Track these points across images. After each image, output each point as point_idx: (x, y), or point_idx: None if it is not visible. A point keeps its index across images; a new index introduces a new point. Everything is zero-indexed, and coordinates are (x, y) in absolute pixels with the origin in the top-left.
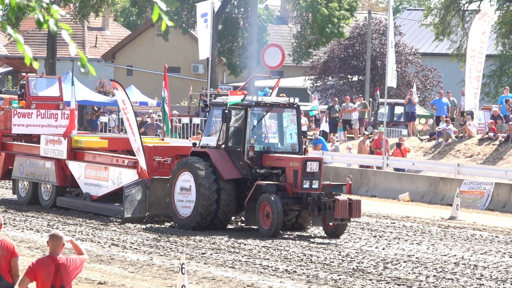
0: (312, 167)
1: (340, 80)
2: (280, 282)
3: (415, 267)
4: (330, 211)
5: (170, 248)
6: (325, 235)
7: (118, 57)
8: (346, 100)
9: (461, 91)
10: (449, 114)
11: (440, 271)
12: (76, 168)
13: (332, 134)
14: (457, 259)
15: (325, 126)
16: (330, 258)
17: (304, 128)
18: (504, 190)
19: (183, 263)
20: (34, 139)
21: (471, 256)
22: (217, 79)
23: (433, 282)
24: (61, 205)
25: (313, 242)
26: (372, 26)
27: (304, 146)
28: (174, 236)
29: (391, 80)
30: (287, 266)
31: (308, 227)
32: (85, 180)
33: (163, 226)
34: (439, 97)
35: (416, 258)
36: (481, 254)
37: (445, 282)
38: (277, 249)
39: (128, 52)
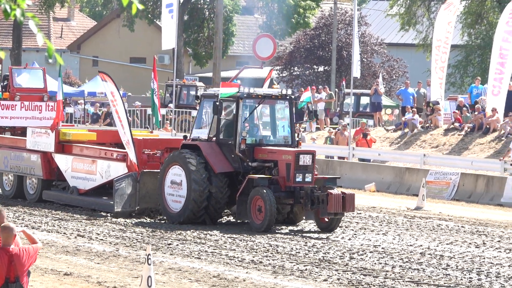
0: (305, 160)
1: (306, 71)
2: (246, 272)
3: (381, 258)
4: (323, 205)
5: (136, 239)
6: (319, 230)
7: (83, 47)
8: (312, 91)
9: (426, 81)
10: (415, 104)
11: (406, 261)
12: (62, 161)
13: (298, 124)
14: (423, 249)
15: None
16: (296, 249)
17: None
18: (469, 180)
19: (149, 254)
20: (18, 131)
21: (437, 246)
22: (183, 69)
23: (399, 272)
24: (47, 199)
25: (279, 233)
26: (338, 17)
27: (297, 139)
28: (140, 227)
29: (356, 71)
30: (253, 257)
31: (301, 221)
32: (72, 173)
33: (152, 220)
34: (405, 87)
35: (382, 248)
36: (447, 244)
37: (411, 272)
38: (243, 240)
39: (94, 43)
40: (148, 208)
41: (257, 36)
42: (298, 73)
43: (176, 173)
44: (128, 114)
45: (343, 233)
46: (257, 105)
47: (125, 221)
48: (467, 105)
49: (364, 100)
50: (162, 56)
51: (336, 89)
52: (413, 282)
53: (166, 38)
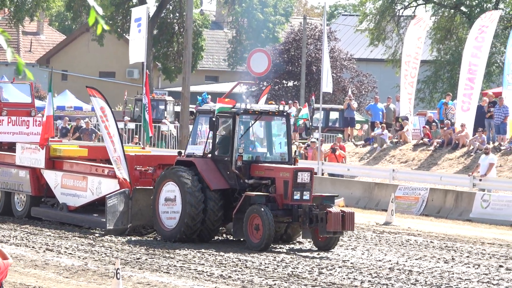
0: (303, 177)
1: (275, 86)
2: (215, 287)
3: (350, 273)
4: (322, 224)
5: (105, 253)
6: (316, 248)
7: (53, 61)
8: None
9: (395, 96)
10: (384, 120)
11: (375, 276)
12: (52, 177)
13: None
14: (392, 264)
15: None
16: (265, 264)
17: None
18: (438, 195)
19: (118, 268)
20: (5, 146)
21: (406, 261)
22: (152, 84)
23: None
24: (36, 215)
25: (248, 247)
26: (308, 32)
27: (294, 156)
28: (109, 241)
29: (326, 86)
30: (222, 271)
31: (297, 239)
32: (61, 190)
33: (143, 238)
34: (374, 103)
35: (351, 263)
36: (416, 259)
37: (380, 287)
38: (212, 254)
39: (63, 57)
40: (140, 226)
41: (252, 51)
42: None
43: (170, 190)
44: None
45: (312, 247)
46: (253, 122)
47: (94, 235)
48: (437, 121)
49: (334, 115)
50: (131, 71)
51: (306, 104)
52: None
53: (133, 52)
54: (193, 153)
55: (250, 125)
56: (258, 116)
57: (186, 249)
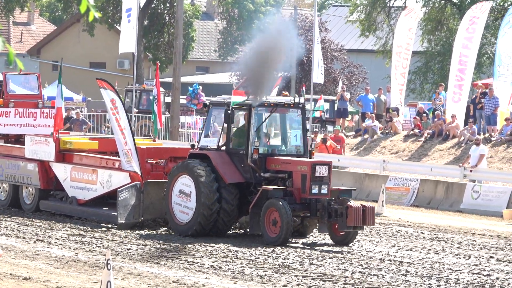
0: (322, 171)
1: None
2: (206, 278)
3: (341, 263)
4: (342, 219)
5: (96, 244)
6: (333, 243)
7: (43, 52)
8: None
9: (386, 87)
10: (375, 111)
11: (366, 267)
12: (61, 170)
13: None
14: (382, 255)
15: None
16: (256, 254)
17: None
18: (429, 186)
19: (108, 259)
20: (12, 139)
21: (397, 252)
22: (143, 74)
23: (359, 278)
24: (45, 209)
25: (238, 238)
26: (298, 22)
27: (310, 149)
28: (99, 231)
29: (317, 77)
30: (213, 262)
31: (311, 233)
32: (71, 183)
33: (156, 232)
34: (365, 94)
35: (342, 254)
36: (406, 250)
37: (371, 278)
38: (203, 245)
39: (54, 48)
40: (152, 219)
41: None
42: None
43: (184, 183)
44: (130, 121)
45: (302, 239)
46: (269, 114)
47: (85, 226)
48: (427, 111)
49: (324, 106)
50: (122, 61)
51: (296, 95)
52: (372, 287)
53: (124, 42)
54: (207, 146)
55: (266, 117)
56: (274, 108)
57: (176, 239)
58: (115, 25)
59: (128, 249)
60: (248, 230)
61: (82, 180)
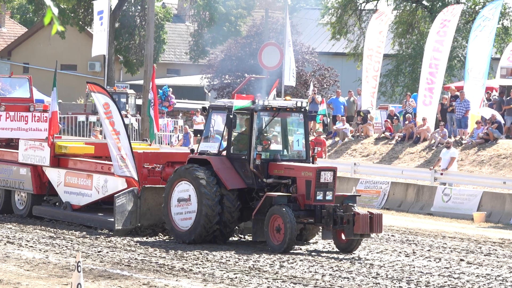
0: (326, 177)
1: (237, 79)
2: (176, 280)
3: (311, 266)
4: (349, 226)
5: (66, 246)
6: (337, 250)
7: (14, 54)
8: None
9: (357, 90)
10: (346, 114)
11: (336, 270)
12: (55, 175)
13: None
14: (353, 258)
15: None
16: (226, 257)
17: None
18: (400, 189)
19: (79, 261)
20: (3, 143)
21: (367, 255)
22: (114, 77)
23: (329, 281)
24: (38, 214)
25: (208, 241)
26: (269, 25)
27: (312, 154)
28: (70, 234)
29: (288, 79)
30: (183, 265)
31: (312, 240)
32: (65, 188)
33: (152, 239)
34: (336, 96)
35: (312, 257)
36: (377, 253)
37: (341, 281)
38: (173, 248)
39: (25, 50)
40: (149, 226)
41: (263, 45)
42: (229, 81)
43: (183, 189)
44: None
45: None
46: (271, 118)
47: (55, 228)
48: (398, 114)
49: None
50: (93, 63)
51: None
52: None
53: (96, 45)
54: (207, 150)
55: (268, 121)
56: (276, 112)
57: (147, 242)
58: (86, 27)
59: (99, 252)
60: (247, 236)
61: (76, 185)
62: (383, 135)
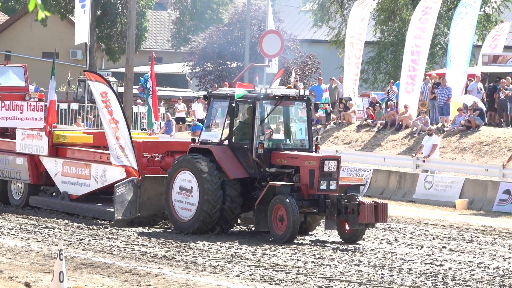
0: (330, 166)
1: (219, 66)
2: (159, 268)
3: (294, 254)
4: (354, 216)
5: (48, 234)
6: (340, 241)
7: None
8: (224, 87)
9: (339, 77)
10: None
11: (318, 257)
12: (52, 165)
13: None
14: (335, 245)
15: (198, 113)
16: (209, 244)
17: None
18: (382, 176)
19: (61, 249)
20: None
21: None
22: (96, 64)
23: (311, 268)
24: (35, 204)
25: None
26: (251, 13)
27: (315, 143)
28: (52, 222)
29: (270, 67)
30: (166, 253)
31: (313, 230)
32: (62, 178)
33: (152, 230)
34: (318, 84)
35: (295, 245)
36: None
37: (323, 268)
38: (156, 235)
39: (6, 38)
40: (149, 216)
41: (264, 33)
42: (211, 69)
43: (185, 179)
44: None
45: (255, 229)
46: (274, 107)
47: (37, 216)
48: (380, 102)
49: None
50: (74, 51)
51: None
52: (325, 278)
53: (79, 33)
54: (208, 140)
55: (270, 110)
56: (278, 101)
57: (129, 230)
58: (68, 15)
59: (81, 240)
60: (251, 226)
61: (74, 175)
62: (365, 122)
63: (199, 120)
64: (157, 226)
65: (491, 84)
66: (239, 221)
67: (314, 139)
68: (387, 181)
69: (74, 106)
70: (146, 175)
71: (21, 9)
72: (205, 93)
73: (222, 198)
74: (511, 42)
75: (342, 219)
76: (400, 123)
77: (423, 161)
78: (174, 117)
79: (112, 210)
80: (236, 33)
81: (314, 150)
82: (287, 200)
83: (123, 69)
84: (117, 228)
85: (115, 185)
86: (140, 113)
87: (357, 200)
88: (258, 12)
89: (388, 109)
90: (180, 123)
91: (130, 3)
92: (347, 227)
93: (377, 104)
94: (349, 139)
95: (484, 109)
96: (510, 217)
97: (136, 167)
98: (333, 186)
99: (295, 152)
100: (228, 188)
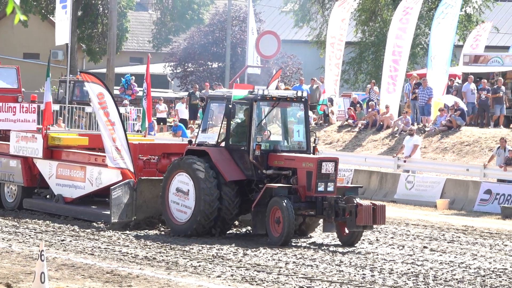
0: (328, 168)
1: (200, 67)
2: (140, 269)
3: (275, 254)
4: (351, 217)
5: (29, 235)
6: (336, 244)
7: None
8: (205, 87)
9: (320, 78)
10: (309, 101)
11: (300, 258)
12: (46, 167)
13: (192, 121)
14: (316, 245)
15: (185, 113)
16: (190, 245)
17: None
18: (363, 176)
19: (42, 250)
20: None
21: (331, 242)
22: (77, 65)
23: (293, 269)
24: (29, 207)
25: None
26: (232, 13)
27: (313, 145)
28: (33, 223)
29: (252, 68)
30: (147, 253)
31: (311, 233)
32: (57, 180)
33: (150, 232)
34: (299, 84)
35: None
36: (320, 237)
37: (305, 268)
38: (137, 236)
39: None
40: (145, 218)
41: (260, 33)
42: (192, 69)
43: (182, 181)
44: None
45: (238, 230)
46: (271, 108)
47: (18, 217)
48: (361, 102)
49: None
50: (55, 52)
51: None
52: (306, 278)
53: (60, 33)
54: (205, 141)
55: (267, 111)
56: (276, 102)
57: (110, 231)
58: (48, 16)
59: (62, 240)
60: (249, 228)
61: (69, 178)
62: (346, 122)
63: (182, 120)
64: (152, 230)
65: (497, 85)
66: (236, 223)
67: (312, 140)
68: (369, 181)
69: (55, 107)
70: (142, 178)
71: (2, 10)
72: (186, 93)
73: (219, 197)
74: (492, 42)
75: (340, 221)
76: (381, 123)
77: (404, 161)
78: (155, 118)
79: (108, 213)
80: (217, 34)
81: (312, 151)
82: (284, 202)
83: (104, 70)
84: (98, 229)
85: (112, 187)
86: (127, 113)
87: (355, 202)
88: (239, 13)
89: (369, 109)
90: (161, 123)
91: (111, 3)
92: (346, 229)
93: (358, 105)
94: (330, 140)
95: (465, 109)
96: (491, 217)
97: (132, 170)
98: (330, 188)
99: (292, 154)
100: (225, 189)
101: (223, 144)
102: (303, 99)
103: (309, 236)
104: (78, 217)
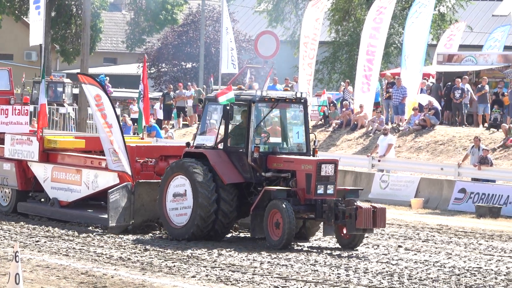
0: (327, 170)
1: (174, 67)
2: (115, 269)
3: (250, 254)
4: (351, 220)
5: (4, 236)
6: (334, 247)
7: None
8: (179, 87)
9: (294, 77)
10: None
11: (275, 258)
12: (41, 171)
13: (166, 121)
14: (291, 245)
15: (159, 113)
16: (165, 245)
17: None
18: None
19: (16, 251)
20: None
21: (305, 242)
22: (51, 66)
23: (268, 269)
24: (23, 211)
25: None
26: (206, 13)
27: (313, 146)
28: (7, 224)
29: (226, 67)
30: (121, 254)
31: (312, 236)
32: (52, 183)
33: (148, 236)
34: (273, 84)
35: (251, 245)
36: (315, 240)
37: (280, 268)
38: (112, 236)
39: None
40: (143, 222)
41: (259, 33)
42: (166, 69)
43: (179, 184)
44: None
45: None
46: (270, 109)
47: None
48: (335, 101)
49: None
50: (29, 53)
51: (204, 86)
52: (281, 278)
53: (33, 34)
54: (203, 144)
55: (266, 113)
56: (275, 103)
57: (85, 232)
58: (22, 16)
59: (37, 242)
60: (248, 232)
61: (64, 181)
62: (320, 122)
63: (158, 121)
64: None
65: (448, 83)
66: (235, 225)
67: (312, 142)
68: (343, 181)
69: (29, 108)
70: (140, 181)
71: None
72: (160, 94)
73: (216, 202)
74: (466, 41)
75: (340, 224)
76: (356, 122)
77: (379, 161)
78: (130, 118)
79: (105, 216)
80: (191, 34)
81: (311, 154)
82: (283, 205)
83: (78, 70)
84: (72, 229)
85: (109, 191)
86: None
87: (355, 204)
88: (213, 13)
89: (344, 109)
90: (136, 124)
91: (85, 4)
92: (345, 232)
93: (332, 104)
94: None
95: (439, 108)
96: (466, 215)
97: (130, 172)
98: (330, 190)
99: (292, 156)
100: (223, 193)
101: (221, 146)
102: (302, 100)
103: (311, 239)
104: (73, 221)
